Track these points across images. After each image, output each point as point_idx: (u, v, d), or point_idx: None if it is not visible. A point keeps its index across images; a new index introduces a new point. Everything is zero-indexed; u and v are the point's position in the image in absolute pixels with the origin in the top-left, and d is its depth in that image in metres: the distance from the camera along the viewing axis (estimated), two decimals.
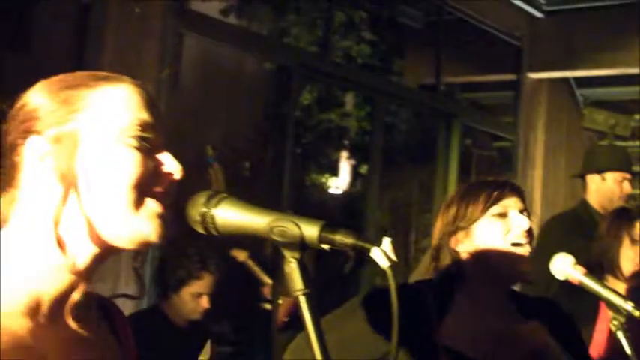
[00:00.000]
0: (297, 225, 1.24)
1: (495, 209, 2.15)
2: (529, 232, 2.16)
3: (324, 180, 11.98)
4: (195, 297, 3.94)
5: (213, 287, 3.97)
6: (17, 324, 1.21)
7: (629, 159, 4.69)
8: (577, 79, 8.63)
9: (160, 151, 1.34)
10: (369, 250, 1.21)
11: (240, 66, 9.91)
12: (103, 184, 1.27)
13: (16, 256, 1.26)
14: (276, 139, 6.31)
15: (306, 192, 11.41)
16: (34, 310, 1.24)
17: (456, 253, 2.18)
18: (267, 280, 5.70)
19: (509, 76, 8.20)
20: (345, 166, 12.21)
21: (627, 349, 2.17)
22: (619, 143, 6.73)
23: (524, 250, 2.17)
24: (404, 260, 7.80)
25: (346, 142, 12.04)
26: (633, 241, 3.28)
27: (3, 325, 1.19)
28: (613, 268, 3.31)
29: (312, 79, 7.71)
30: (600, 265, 3.31)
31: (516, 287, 2.39)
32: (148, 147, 1.31)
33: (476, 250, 2.15)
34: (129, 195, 1.27)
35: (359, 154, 11.37)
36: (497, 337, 2.08)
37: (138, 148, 1.29)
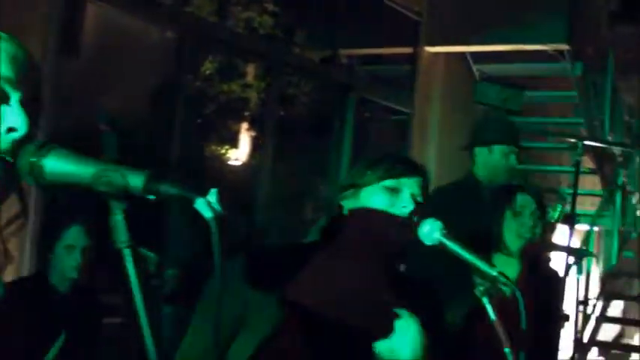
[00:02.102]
0: (122, 174, 1.20)
1: (390, 182, 2.13)
2: (410, 216, 2.14)
3: (223, 151, 11.91)
4: (68, 251, 3.87)
5: (85, 241, 3.91)
6: None
7: (517, 132, 4.73)
8: (473, 54, 8.74)
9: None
10: (193, 201, 1.18)
11: (143, 34, 9.73)
12: None
13: None
14: (171, 107, 6.19)
15: (205, 163, 11.33)
16: None
17: (341, 207, 2.17)
18: (151, 254, 5.62)
19: (407, 50, 8.24)
20: (245, 137, 12.15)
21: (492, 315, 2.18)
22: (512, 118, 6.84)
23: (397, 230, 2.16)
24: (298, 230, 7.80)
25: (247, 114, 11.98)
26: (515, 214, 3.34)
27: None
28: (498, 243, 3.36)
29: (208, 48, 7.61)
30: (488, 239, 3.36)
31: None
32: None
33: (356, 210, 2.13)
34: None
35: (259, 126, 11.31)
36: (357, 301, 2.07)
37: None
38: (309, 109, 11.50)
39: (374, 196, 2.13)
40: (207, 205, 1.17)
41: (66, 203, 3.99)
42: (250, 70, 11.82)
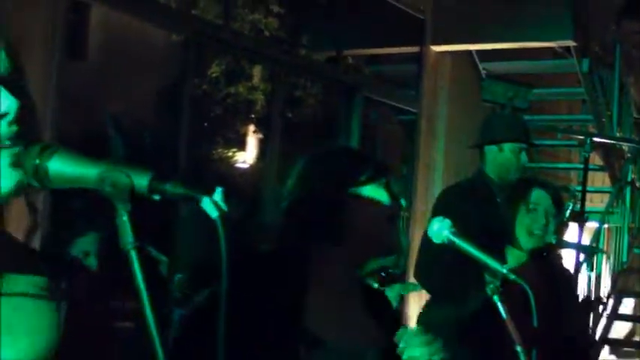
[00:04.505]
0: (127, 175, 1.18)
1: (382, 180, 2.09)
2: None
3: (230, 154, 11.91)
4: (84, 257, 3.87)
5: (99, 246, 3.91)
6: None
7: (527, 129, 4.66)
8: (479, 53, 8.70)
9: None
10: (199, 200, 1.17)
11: (150, 37, 9.74)
12: None
13: None
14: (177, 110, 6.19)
15: (213, 165, 11.32)
16: None
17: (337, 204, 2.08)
18: (164, 258, 5.62)
19: (413, 49, 8.20)
20: (252, 140, 12.16)
21: (503, 314, 2.16)
22: None
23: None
24: None
25: (253, 116, 11.98)
26: (528, 210, 3.30)
27: None
28: (511, 238, 3.33)
29: (215, 51, 7.58)
30: (501, 236, 3.33)
31: None
32: None
33: (365, 204, 2.06)
34: None
35: (266, 128, 11.36)
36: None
37: None
38: (316, 111, 11.50)
39: (378, 193, 2.07)
40: (213, 204, 1.16)
41: (77, 208, 3.98)
42: (257, 72, 11.83)
